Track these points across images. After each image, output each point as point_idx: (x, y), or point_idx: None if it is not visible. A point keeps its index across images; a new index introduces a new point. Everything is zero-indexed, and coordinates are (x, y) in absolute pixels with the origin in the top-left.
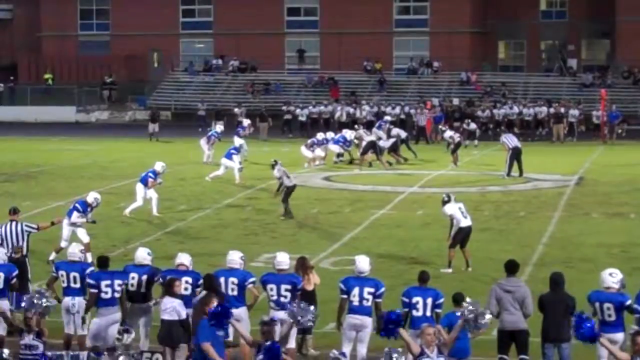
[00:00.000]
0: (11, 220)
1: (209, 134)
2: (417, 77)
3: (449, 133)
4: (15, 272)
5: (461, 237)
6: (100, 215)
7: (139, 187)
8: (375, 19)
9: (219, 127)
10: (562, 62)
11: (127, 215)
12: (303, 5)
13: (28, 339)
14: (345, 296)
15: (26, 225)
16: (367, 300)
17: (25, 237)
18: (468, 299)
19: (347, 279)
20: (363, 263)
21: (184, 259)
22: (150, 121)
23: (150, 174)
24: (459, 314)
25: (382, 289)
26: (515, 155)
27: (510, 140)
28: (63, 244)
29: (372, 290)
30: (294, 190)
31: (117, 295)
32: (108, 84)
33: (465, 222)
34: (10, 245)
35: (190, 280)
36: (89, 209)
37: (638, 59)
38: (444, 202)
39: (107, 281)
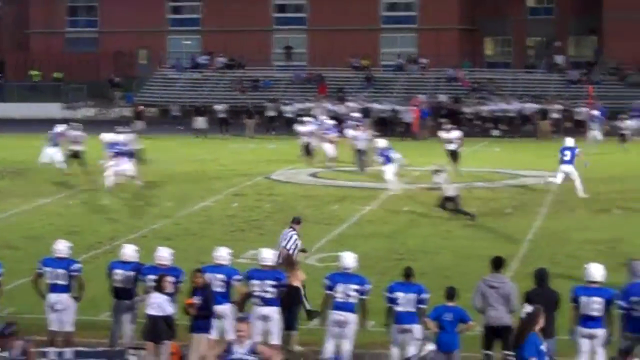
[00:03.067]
0: (291, 227)
1: None
2: (404, 74)
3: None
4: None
5: None
6: (86, 212)
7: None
8: (362, 15)
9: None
10: (549, 58)
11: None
12: (291, 2)
13: None
14: (329, 292)
15: (298, 240)
16: (352, 296)
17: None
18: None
19: (333, 275)
20: (348, 259)
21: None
22: (134, 119)
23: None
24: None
25: (368, 286)
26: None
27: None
28: None
29: (357, 287)
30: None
31: None
32: (116, 84)
33: None
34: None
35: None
36: None
37: (625, 55)
38: None
39: None
